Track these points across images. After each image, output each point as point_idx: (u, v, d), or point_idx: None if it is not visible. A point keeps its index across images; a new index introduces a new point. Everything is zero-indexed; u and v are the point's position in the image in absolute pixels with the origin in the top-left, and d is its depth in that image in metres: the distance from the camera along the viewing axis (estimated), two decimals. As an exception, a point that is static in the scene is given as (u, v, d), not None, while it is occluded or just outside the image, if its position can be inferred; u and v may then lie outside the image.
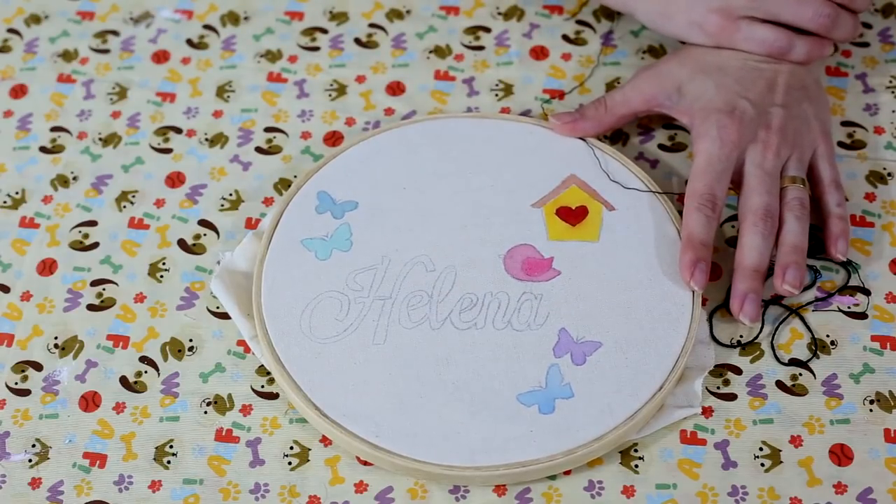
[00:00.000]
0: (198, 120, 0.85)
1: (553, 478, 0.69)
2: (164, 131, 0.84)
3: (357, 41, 0.89)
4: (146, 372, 0.74)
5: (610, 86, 0.85)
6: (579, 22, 0.89)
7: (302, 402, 0.70)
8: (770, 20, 0.76)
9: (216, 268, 0.77)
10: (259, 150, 0.83)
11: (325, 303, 0.73)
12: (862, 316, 0.74)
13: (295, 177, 0.81)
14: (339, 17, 0.90)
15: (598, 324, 0.72)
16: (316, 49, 0.88)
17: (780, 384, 0.72)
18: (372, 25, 0.90)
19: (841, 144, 0.81)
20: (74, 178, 0.82)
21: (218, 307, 0.76)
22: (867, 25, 0.87)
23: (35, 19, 0.91)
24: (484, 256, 0.74)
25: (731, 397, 0.72)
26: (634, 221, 0.75)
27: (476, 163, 0.79)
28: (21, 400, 0.73)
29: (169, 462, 0.70)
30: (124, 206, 0.81)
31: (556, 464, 0.67)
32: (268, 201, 0.81)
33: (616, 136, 0.83)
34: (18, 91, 0.87)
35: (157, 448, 0.71)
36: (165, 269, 0.78)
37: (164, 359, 0.74)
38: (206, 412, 0.72)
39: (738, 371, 0.72)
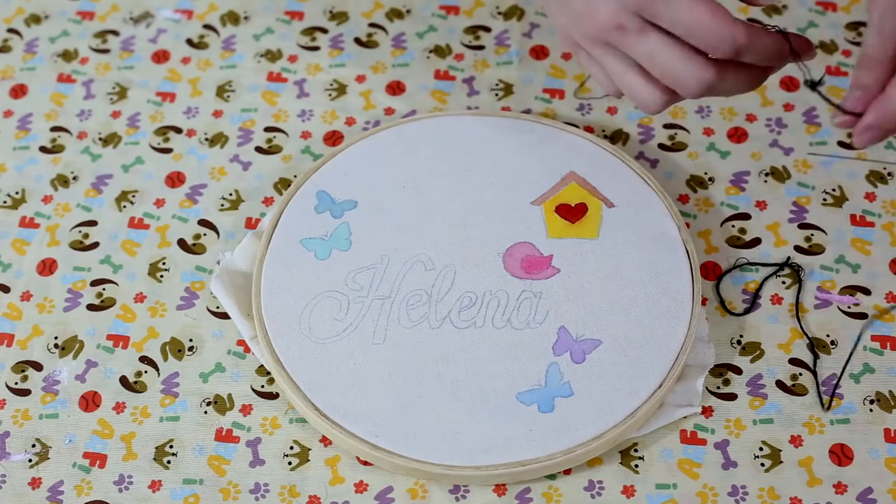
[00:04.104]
0: (198, 120, 0.85)
1: (553, 477, 0.69)
2: (164, 131, 0.84)
3: (357, 41, 0.89)
4: (146, 372, 0.74)
5: (610, 85, 0.85)
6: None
7: (301, 402, 0.70)
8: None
9: (216, 268, 0.77)
10: (259, 149, 0.83)
11: (324, 302, 0.73)
12: (862, 316, 0.74)
13: (295, 176, 0.81)
14: (339, 16, 0.90)
15: (597, 322, 0.72)
16: (316, 49, 0.88)
17: (780, 384, 0.72)
18: (372, 25, 0.90)
19: (841, 144, 0.81)
20: (74, 178, 0.82)
21: (218, 307, 0.76)
22: (866, 25, 0.87)
23: (35, 19, 0.91)
24: (483, 255, 0.74)
25: (731, 397, 0.72)
26: (634, 218, 0.75)
27: (475, 160, 0.79)
28: (21, 400, 0.73)
29: (169, 462, 0.70)
30: (124, 206, 0.81)
31: (555, 462, 0.67)
32: (268, 201, 0.81)
33: (616, 136, 0.83)
34: (18, 91, 0.87)
35: (157, 448, 0.71)
36: (165, 269, 0.78)
37: (164, 359, 0.74)
38: (206, 412, 0.72)
39: (738, 371, 0.72)
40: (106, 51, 0.89)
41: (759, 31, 0.60)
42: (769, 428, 0.70)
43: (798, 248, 0.77)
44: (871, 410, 0.71)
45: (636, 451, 0.70)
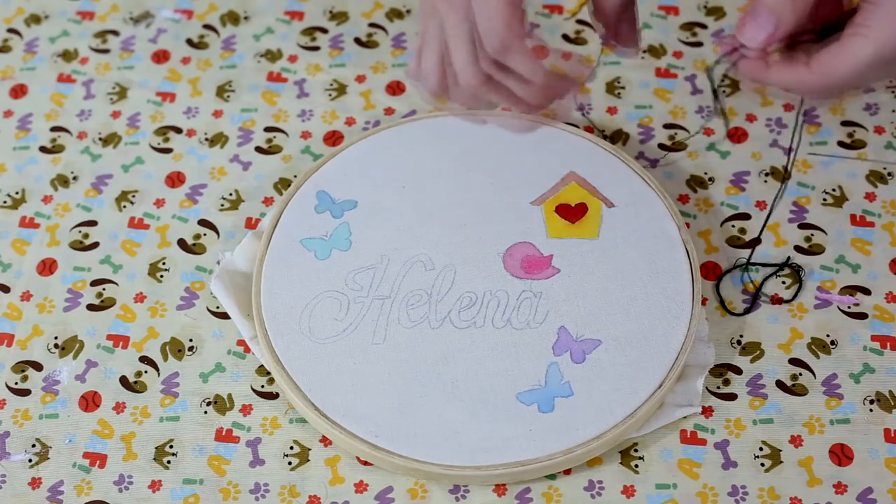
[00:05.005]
0: (198, 120, 0.85)
1: (553, 477, 0.69)
2: (164, 131, 0.84)
3: (357, 41, 0.89)
4: (146, 372, 0.74)
5: (610, 85, 0.85)
6: (579, 21, 0.89)
7: (301, 402, 0.70)
8: None
9: (216, 268, 0.77)
10: (259, 149, 0.83)
11: (324, 302, 0.73)
12: (862, 316, 0.74)
13: (295, 176, 0.81)
14: (339, 16, 0.90)
15: (597, 321, 0.72)
16: (316, 49, 0.88)
17: (780, 384, 0.72)
18: (372, 25, 0.90)
19: (841, 144, 0.81)
20: (74, 178, 0.82)
21: (218, 307, 0.76)
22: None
23: (35, 19, 0.91)
24: (483, 255, 0.74)
25: (731, 397, 0.72)
26: (634, 218, 0.75)
27: (475, 161, 0.79)
28: (21, 400, 0.73)
29: (169, 462, 0.70)
30: (124, 206, 0.81)
31: (555, 462, 0.67)
32: (268, 201, 0.81)
33: (616, 136, 0.83)
34: (18, 91, 0.87)
35: (157, 448, 0.71)
36: (165, 269, 0.78)
37: (164, 359, 0.74)
38: (206, 412, 0.72)
39: (738, 371, 0.72)
40: (106, 51, 0.89)
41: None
42: (769, 428, 0.70)
43: (798, 248, 0.77)
44: (871, 410, 0.71)
45: (636, 451, 0.70)
